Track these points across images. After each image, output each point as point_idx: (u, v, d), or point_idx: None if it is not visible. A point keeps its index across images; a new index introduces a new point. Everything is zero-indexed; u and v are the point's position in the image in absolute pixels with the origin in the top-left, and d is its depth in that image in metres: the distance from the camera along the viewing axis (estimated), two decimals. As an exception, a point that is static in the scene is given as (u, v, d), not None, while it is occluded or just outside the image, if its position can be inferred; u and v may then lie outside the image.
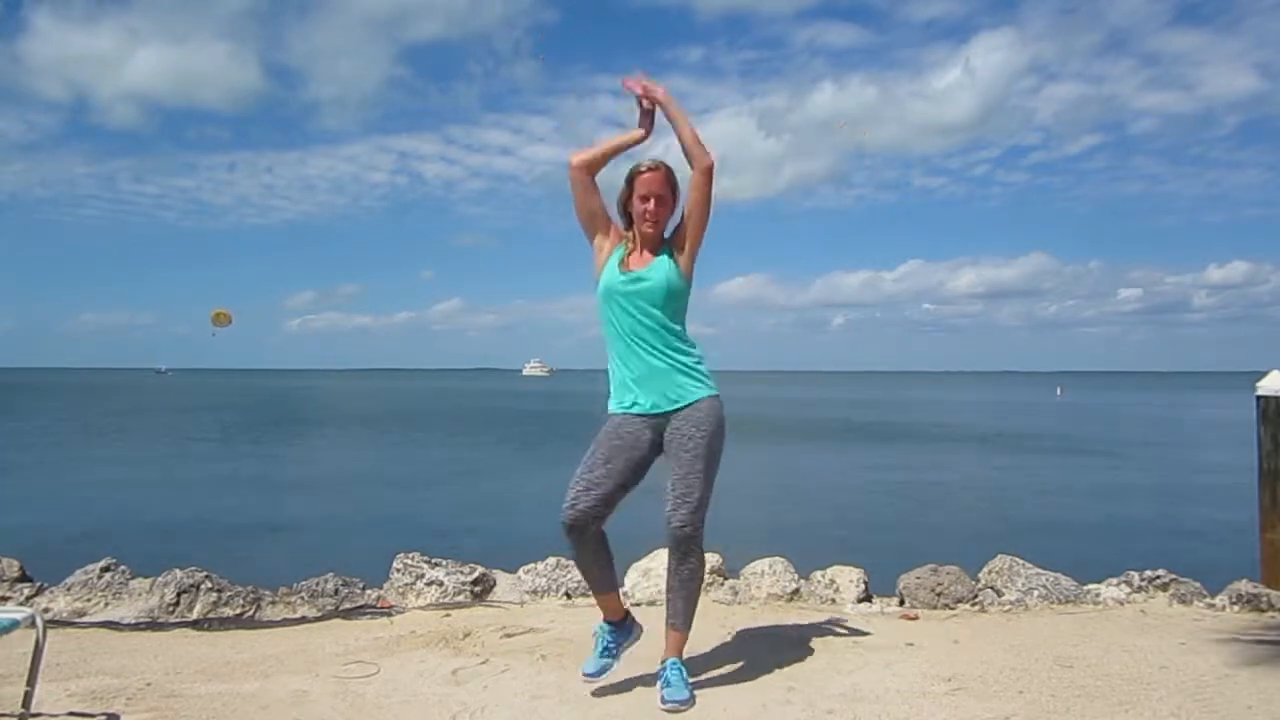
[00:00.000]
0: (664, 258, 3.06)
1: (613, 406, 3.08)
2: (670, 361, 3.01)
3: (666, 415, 3.00)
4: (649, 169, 3.05)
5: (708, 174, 3.03)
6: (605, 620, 3.13)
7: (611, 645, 3.08)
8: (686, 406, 3.00)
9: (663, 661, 3.00)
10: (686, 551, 2.93)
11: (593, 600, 3.34)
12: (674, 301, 3.04)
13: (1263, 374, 5.23)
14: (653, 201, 3.03)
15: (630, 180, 3.08)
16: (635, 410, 3.02)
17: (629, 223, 3.13)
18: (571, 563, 4.52)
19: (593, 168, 3.11)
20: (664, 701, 2.86)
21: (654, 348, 3.00)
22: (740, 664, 3.27)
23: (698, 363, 3.06)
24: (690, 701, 2.86)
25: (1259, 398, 5.18)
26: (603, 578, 3.09)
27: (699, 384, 3.03)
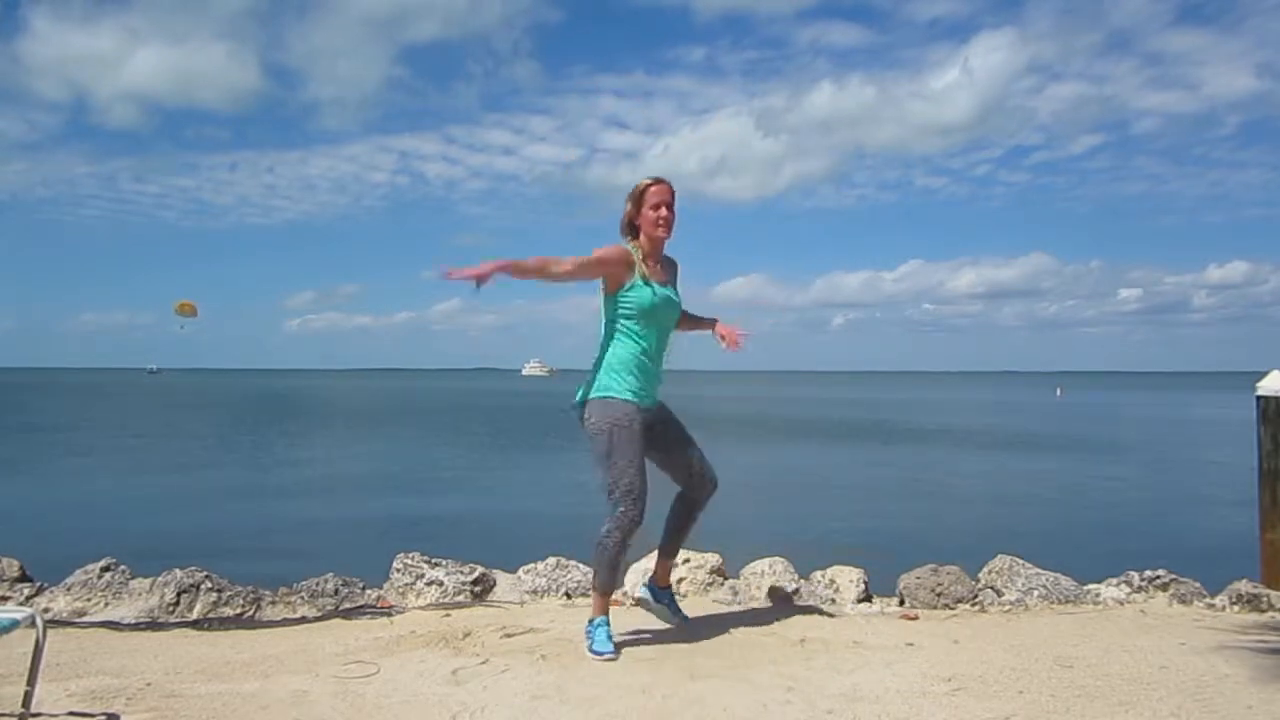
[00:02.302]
0: (676, 283, 3.69)
1: (629, 395, 3.49)
2: (662, 369, 3.64)
3: (652, 410, 3.59)
4: (657, 181, 3.53)
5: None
6: (605, 615, 3.54)
7: (612, 635, 3.54)
8: (659, 404, 3.66)
9: (663, 588, 3.82)
10: (708, 501, 3.72)
11: (593, 601, 3.59)
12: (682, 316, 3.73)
13: (1263, 374, 5.23)
14: (664, 209, 3.51)
15: (640, 196, 3.52)
16: (644, 403, 3.53)
17: (635, 233, 3.57)
18: (571, 562, 4.56)
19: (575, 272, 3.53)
20: (686, 621, 3.74)
21: (662, 357, 3.63)
22: (740, 664, 3.27)
23: None
24: (686, 619, 3.75)
25: (1259, 398, 5.18)
26: (621, 577, 3.90)
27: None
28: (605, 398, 3.45)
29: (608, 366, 3.49)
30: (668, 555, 3.81)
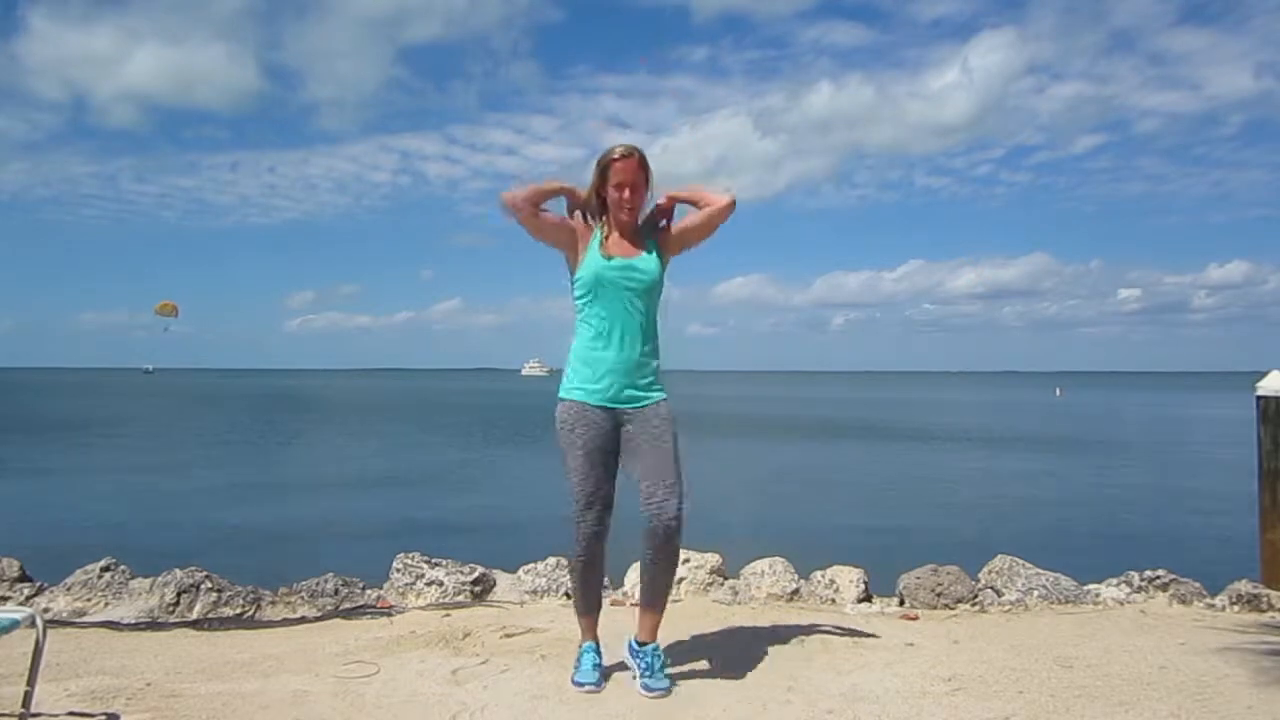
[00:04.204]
0: (653, 252, 3.09)
1: (574, 393, 3.07)
2: (643, 356, 3.06)
3: (626, 410, 3.04)
4: (622, 156, 3.02)
5: (730, 208, 3.15)
6: (591, 641, 3.19)
7: (599, 663, 3.13)
8: (648, 405, 3.06)
9: (641, 644, 3.06)
10: (674, 540, 2.97)
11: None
12: (657, 296, 3.10)
13: (1263, 374, 5.22)
14: (627, 190, 3.02)
15: (604, 168, 3.05)
16: (596, 400, 3.03)
17: (602, 207, 3.11)
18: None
19: (537, 205, 3.07)
20: (647, 690, 2.93)
21: (634, 340, 3.04)
22: (740, 664, 3.27)
23: (658, 364, 3.13)
24: (669, 690, 2.93)
25: (1259, 398, 5.18)
26: (597, 597, 3.23)
27: (658, 386, 3.11)
28: (558, 400, 3.12)
29: (567, 364, 3.15)
30: (641, 603, 3.15)
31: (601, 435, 3.03)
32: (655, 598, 3.08)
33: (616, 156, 3.02)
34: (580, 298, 3.09)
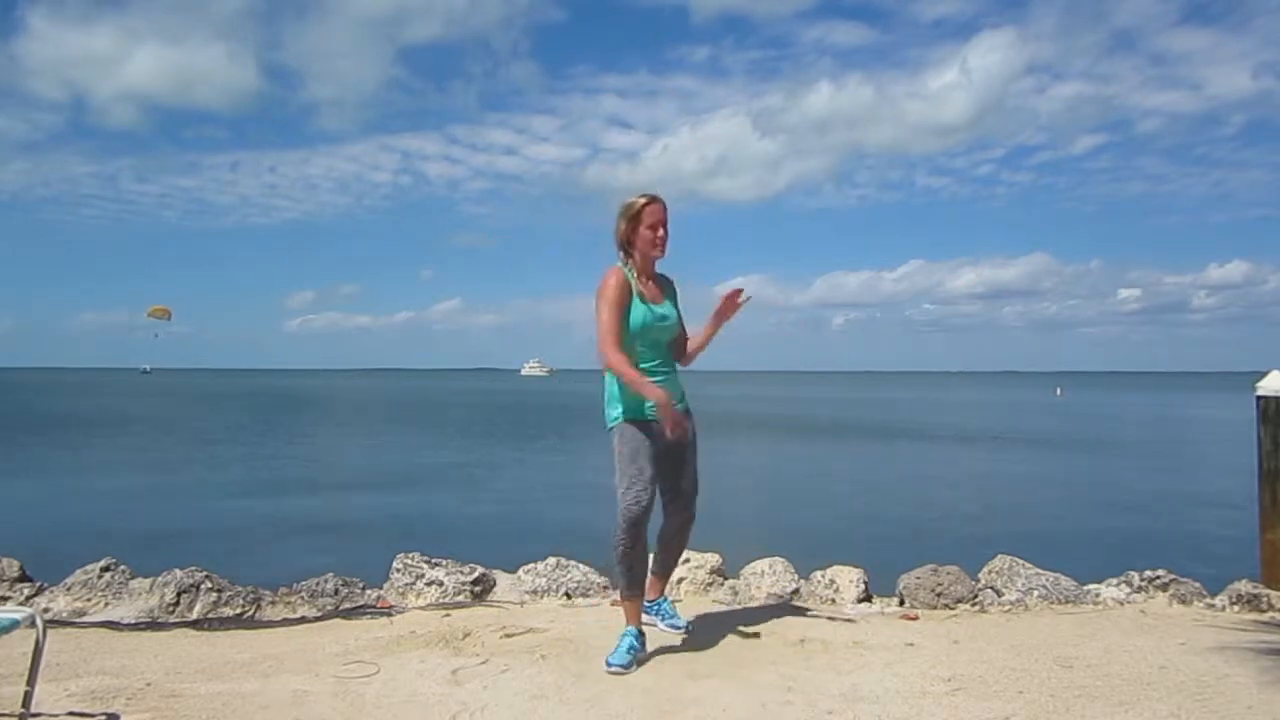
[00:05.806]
0: (674, 300, 3.65)
1: (636, 412, 3.44)
2: (677, 379, 3.65)
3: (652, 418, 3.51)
4: (654, 200, 3.47)
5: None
6: (634, 626, 3.40)
7: (638, 648, 3.33)
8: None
9: (653, 601, 3.71)
10: (689, 526, 3.69)
11: (593, 601, 3.68)
12: (681, 332, 3.67)
13: (1263, 374, 5.22)
14: (661, 229, 3.47)
15: (636, 215, 3.46)
16: (648, 415, 3.43)
17: (628, 254, 3.51)
18: (571, 562, 4.56)
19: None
20: (675, 629, 3.64)
21: (666, 368, 3.59)
22: (740, 664, 3.27)
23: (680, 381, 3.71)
24: (689, 626, 3.68)
25: (1259, 398, 5.17)
26: (643, 578, 3.49)
27: (685, 402, 3.64)
28: (624, 418, 3.45)
29: (610, 397, 3.48)
30: (654, 571, 3.71)
31: (657, 449, 3.44)
32: (666, 569, 3.80)
33: (646, 202, 3.45)
34: (632, 336, 3.49)
